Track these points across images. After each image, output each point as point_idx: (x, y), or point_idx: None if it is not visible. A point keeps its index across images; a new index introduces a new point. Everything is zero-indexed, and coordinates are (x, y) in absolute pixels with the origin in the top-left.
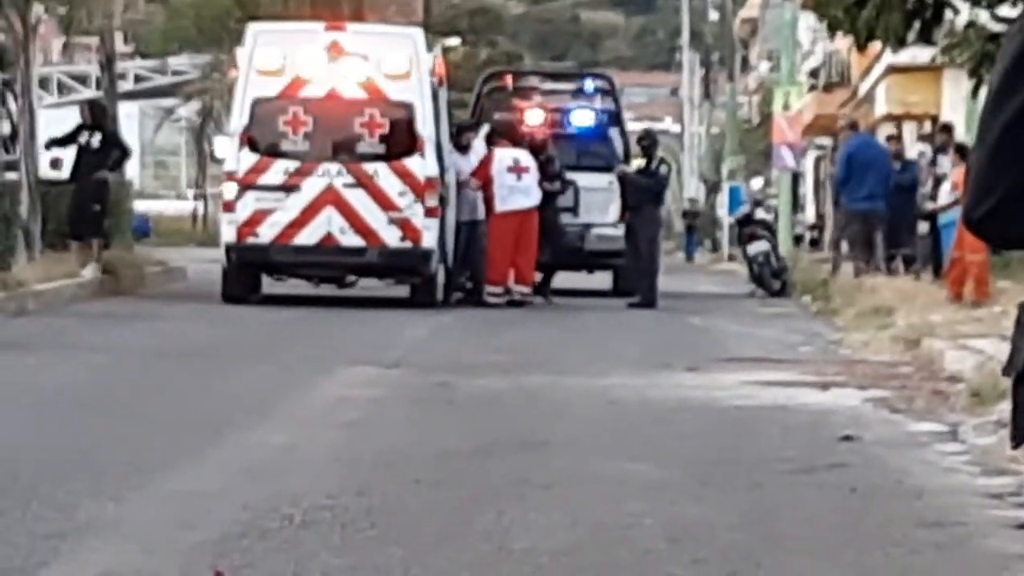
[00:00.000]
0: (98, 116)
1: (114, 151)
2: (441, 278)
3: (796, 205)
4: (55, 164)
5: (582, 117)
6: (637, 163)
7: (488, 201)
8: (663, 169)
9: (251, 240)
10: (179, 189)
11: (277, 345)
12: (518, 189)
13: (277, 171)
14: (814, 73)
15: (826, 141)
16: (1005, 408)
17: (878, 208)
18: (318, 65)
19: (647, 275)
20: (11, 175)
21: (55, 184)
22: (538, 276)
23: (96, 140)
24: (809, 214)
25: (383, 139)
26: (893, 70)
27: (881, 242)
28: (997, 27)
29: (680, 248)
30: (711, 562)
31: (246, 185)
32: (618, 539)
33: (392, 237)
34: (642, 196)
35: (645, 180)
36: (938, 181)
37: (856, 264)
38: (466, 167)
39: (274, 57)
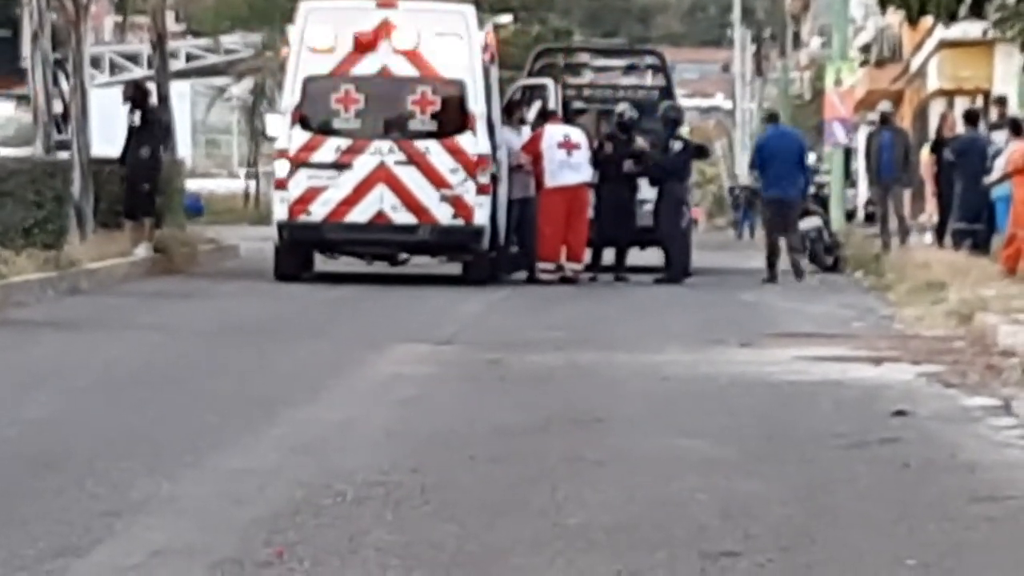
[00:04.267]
0: (135, 95)
1: (155, 126)
2: (493, 255)
3: (848, 181)
4: None
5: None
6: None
7: (538, 177)
8: (676, 146)
9: (303, 218)
10: (231, 168)
11: (330, 322)
12: (568, 165)
13: (329, 149)
14: (866, 48)
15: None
16: None
17: (788, 194)
18: (369, 42)
19: (671, 251)
20: (63, 154)
21: (107, 163)
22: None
23: (136, 119)
24: (862, 190)
25: (435, 116)
26: (945, 45)
27: (793, 224)
28: None
29: (734, 225)
30: (764, 537)
31: (298, 163)
32: (672, 515)
33: (444, 214)
34: (660, 173)
35: (659, 156)
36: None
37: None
38: (518, 144)
39: (326, 35)
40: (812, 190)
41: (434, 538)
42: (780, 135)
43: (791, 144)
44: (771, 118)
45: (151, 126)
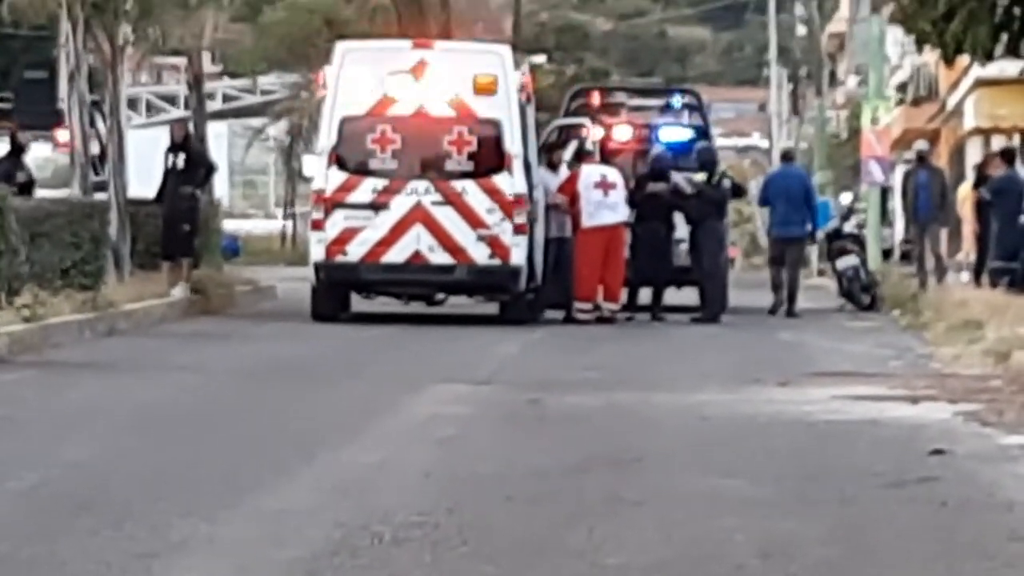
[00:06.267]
0: (185, 136)
1: (200, 169)
2: (531, 296)
3: (885, 220)
4: None
5: (670, 133)
6: (699, 177)
7: (575, 217)
8: (725, 183)
9: (340, 258)
10: (268, 208)
11: (367, 363)
12: (605, 205)
13: (366, 189)
14: (902, 87)
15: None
16: None
17: (792, 233)
18: (406, 83)
19: (709, 290)
20: (100, 195)
21: (144, 204)
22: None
23: (181, 160)
24: (899, 228)
25: (471, 156)
26: (981, 83)
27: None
28: None
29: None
30: None
31: (335, 203)
32: (710, 555)
33: (481, 254)
34: (705, 210)
35: (711, 191)
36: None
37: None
38: (554, 184)
39: (362, 76)
40: (850, 227)
41: None
42: (786, 174)
43: (796, 183)
44: (786, 156)
45: (194, 167)
